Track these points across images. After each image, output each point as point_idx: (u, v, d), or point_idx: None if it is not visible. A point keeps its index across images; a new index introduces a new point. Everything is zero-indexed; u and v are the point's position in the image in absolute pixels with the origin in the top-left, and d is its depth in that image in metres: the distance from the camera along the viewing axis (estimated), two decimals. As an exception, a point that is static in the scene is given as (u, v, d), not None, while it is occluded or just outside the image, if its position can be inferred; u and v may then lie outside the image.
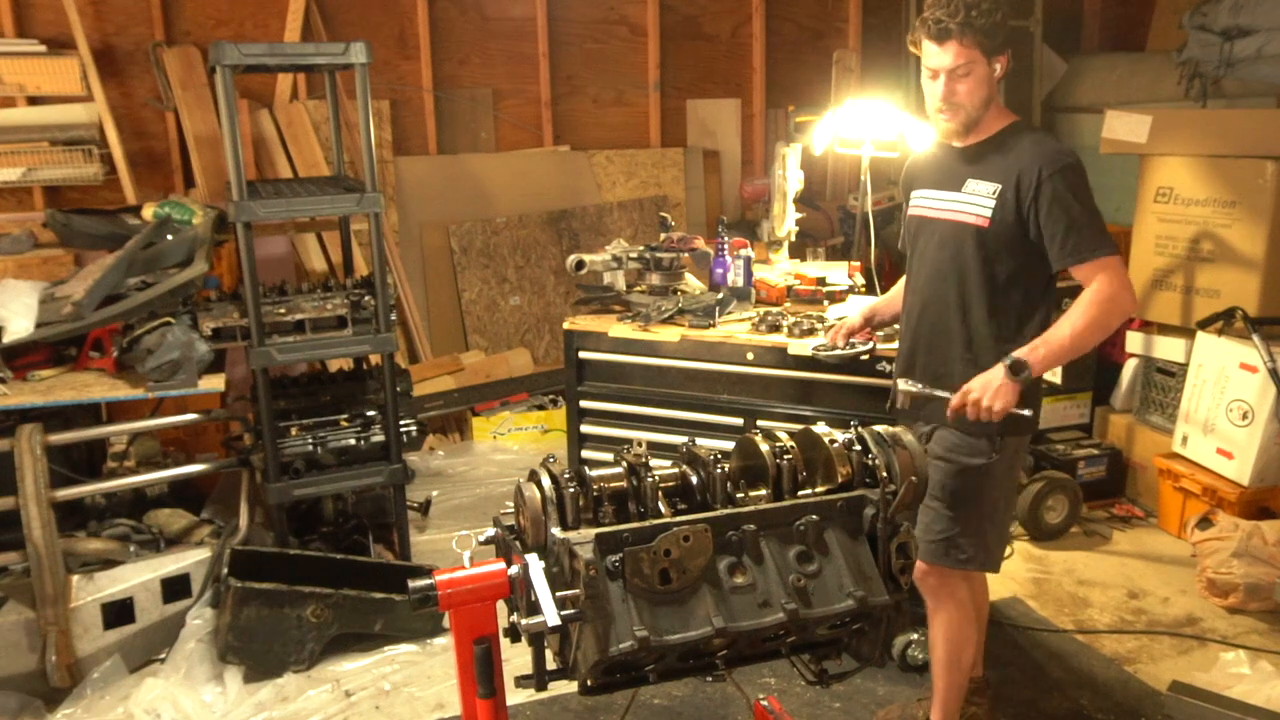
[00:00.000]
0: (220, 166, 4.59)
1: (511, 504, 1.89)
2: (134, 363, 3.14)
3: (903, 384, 2.49)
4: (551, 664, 1.84)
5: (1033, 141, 2.38)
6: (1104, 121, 4.40)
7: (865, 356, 2.94)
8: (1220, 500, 3.79)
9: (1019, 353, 2.28)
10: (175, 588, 3.19)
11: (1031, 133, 2.44)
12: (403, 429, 3.55)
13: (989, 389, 2.28)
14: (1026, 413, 2.33)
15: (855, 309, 2.98)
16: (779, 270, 3.94)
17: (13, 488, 2.93)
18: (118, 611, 3.08)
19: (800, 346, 3.08)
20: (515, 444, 5.00)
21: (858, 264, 3.84)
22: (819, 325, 3.17)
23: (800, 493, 1.94)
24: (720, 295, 3.42)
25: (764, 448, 1.96)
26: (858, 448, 1.98)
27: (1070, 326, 2.29)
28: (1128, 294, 2.31)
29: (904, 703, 2.90)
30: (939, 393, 2.41)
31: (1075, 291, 2.37)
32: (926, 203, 2.54)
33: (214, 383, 3.16)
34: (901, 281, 2.75)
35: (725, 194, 6.00)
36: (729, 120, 5.95)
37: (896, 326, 2.76)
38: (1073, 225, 2.29)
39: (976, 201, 2.39)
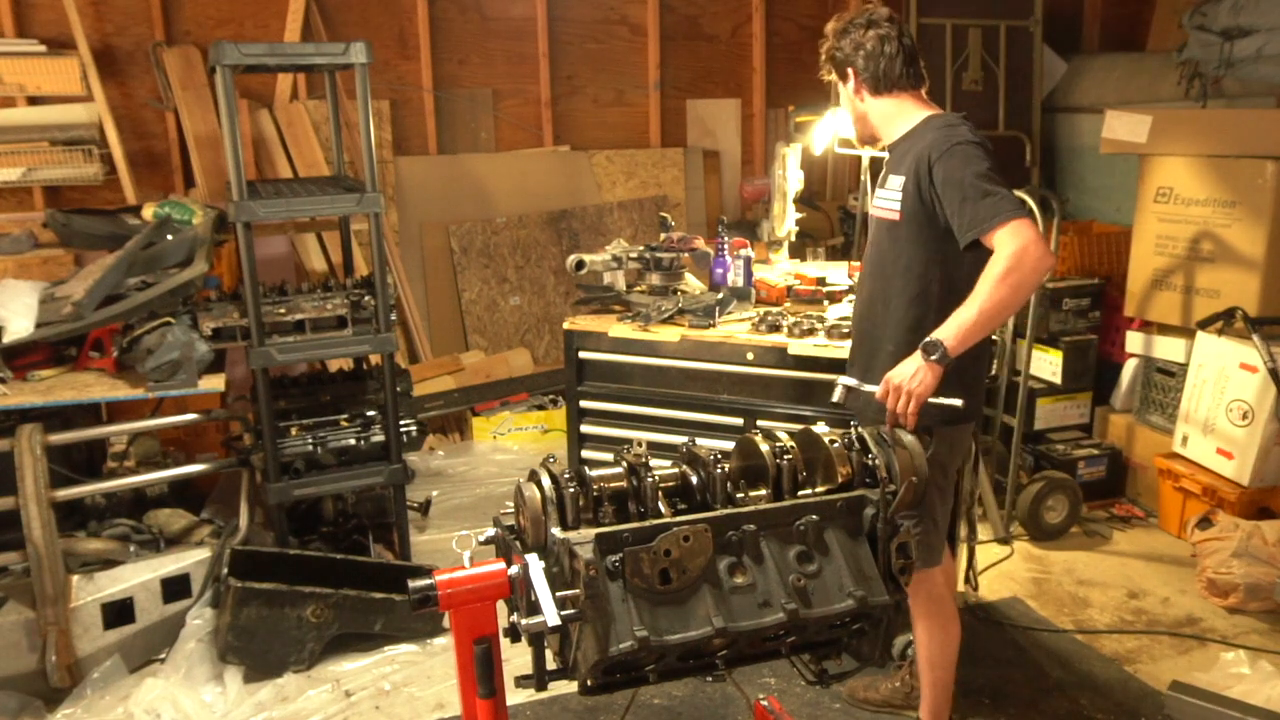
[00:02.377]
0: (220, 166, 4.59)
1: (511, 504, 1.89)
2: (134, 363, 3.14)
3: (840, 380, 2.55)
4: (551, 664, 1.84)
5: (933, 130, 2.44)
6: (1104, 121, 4.40)
7: None
8: (1220, 500, 3.79)
9: (933, 334, 2.25)
10: (175, 588, 3.19)
11: (938, 122, 2.48)
12: (403, 429, 3.55)
13: (906, 374, 2.26)
14: (955, 402, 2.30)
15: None
16: (779, 270, 3.94)
17: (13, 488, 2.93)
18: (118, 611, 3.08)
19: (801, 347, 3.08)
20: (515, 444, 5.00)
21: (858, 264, 3.84)
22: (819, 325, 3.17)
23: (800, 493, 1.94)
24: (720, 295, 3.41)
25: (764, 448, 1.96)
26: (858, 448, 1.98)
27: (978, 299, 2.23)
28: (1035, 248, 2.19)
29: (874, 676, 2.91)
30: (866, 387, 2.45)
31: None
32: (872, 205, 2.66)
33: (214, 383, 3.16)
34: None
35: (725, 194, 6.00)
36: (729, 120, 5.95)
37: None
38: (965, 199, 2.29)
39: (890, 196, 2.49)
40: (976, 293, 2.23)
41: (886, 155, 2.62)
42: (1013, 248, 2.20)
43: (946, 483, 2.60)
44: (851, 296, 3.63)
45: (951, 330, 2.23)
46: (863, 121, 2.61)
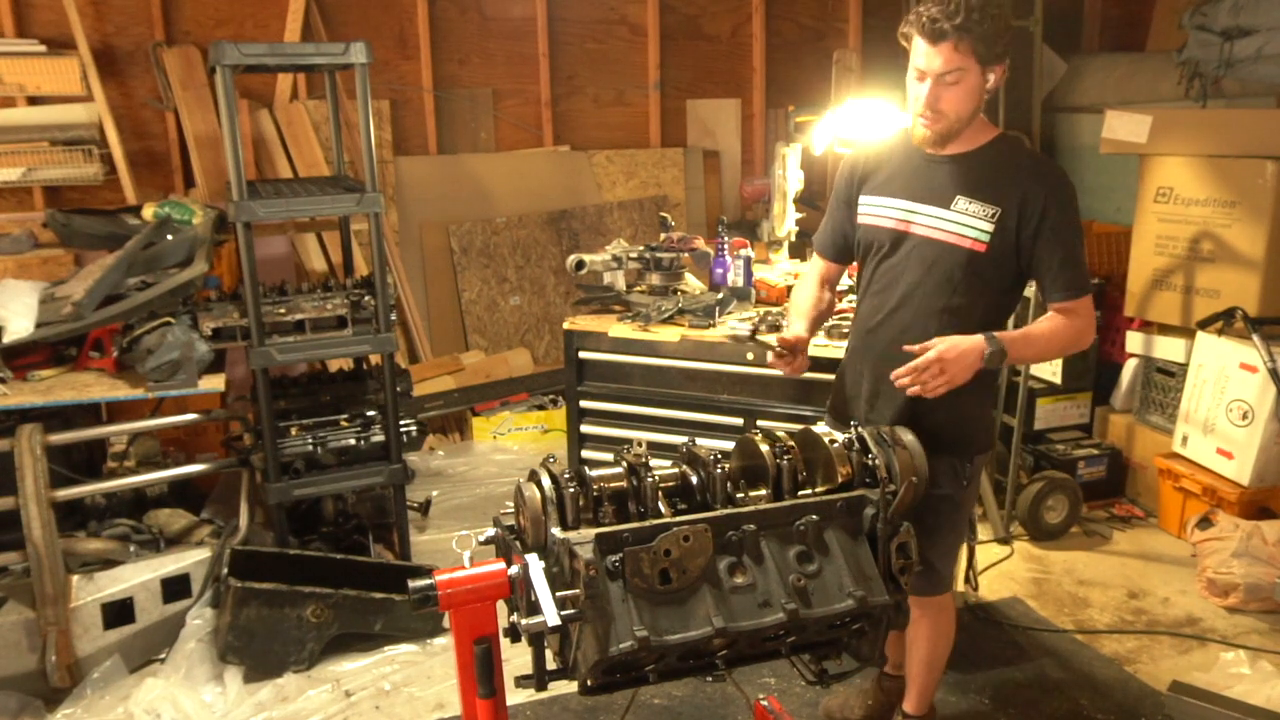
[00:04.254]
0: (220, 166, 4.59)
1: (511, 504, 1.89)
2: (134, 363, 3.14)
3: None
4: (551, 664, 1.84)
5: (1033, 163, 2.28)
6: (1104, 121, 4.40)
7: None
8: (1220, 500, 3.79)
9: (1000, 335, 2.19)
10: (175, 588, 3.19)
11: (1026, 151, 2.34)
12: (403, 429, 3.55)
13: (958, 350, 2.14)
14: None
15: (795, 330, 2.55)
16: (779, 270, 3.94)
17: (13, 488, 2.92)
18: (118, 611, 3.07)
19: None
20: (515, 444, 5.00)
21: (856, 264, 3.83)
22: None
23: (800, 493, 1.94)
24: (720, 295, 3.41)
25: (764, 448, 1.96)
26: (858, 448, 1.98)
27: (1050, 332, 2.26)
28: (1092, 334, 2.34)
29: (848, 693, 2.88)
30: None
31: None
32: (898, 213, 2.34)
33: (214, 383, 3.16)
34: (807, 290, 2.59)
35: (725, 194, 6.00)
36: (729, 120, 5.95)
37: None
38: (1068, 260, 2.23)
39: (971, 224, 2.24)
40: (1049, 328, 2.26)
41: (901, 157, 2.35)
42: (1087, 326, 2.29)
43: (961, 516, 2.51)
44: (852, 298, 3.63)
45: (1017, 344, 2.22)
46: (971, 117, 2.24)
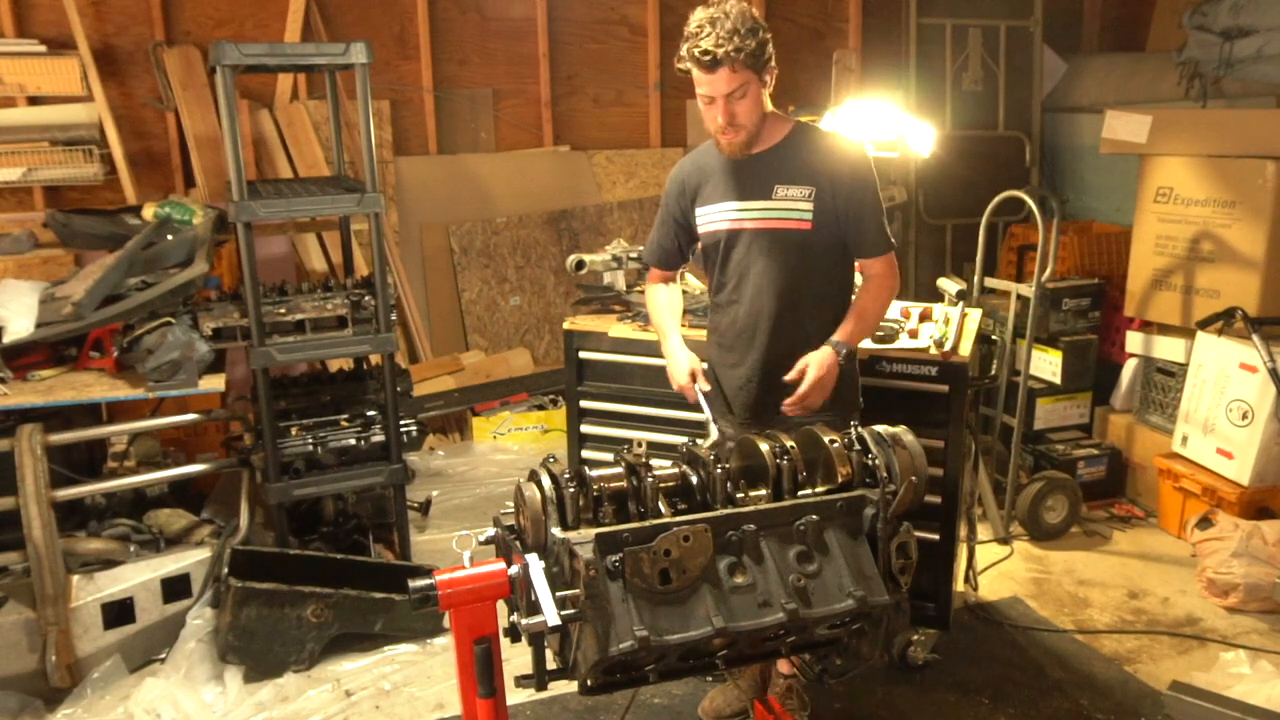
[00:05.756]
0: (220, 166, 4.59)
1: (511, 504, 1.89)
2: (134, 363, 3.14)
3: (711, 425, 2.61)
4: (551, 664, 1.84)
5: (828, 141, 2.52)
6: (1104, 121, 4.40)
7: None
8: (1220, 500, 3.80)
9: (836, 336, 2.48)
10: (175, 588, 3.19)
11: (823, 134, 2.57)
12: (403, 429, 3.55)
13: (824, 367, 2.44)
14: None
15: (682, 366, 2.70)
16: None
17: (13, 488, 2.93)
18: (118, 611, 3.08)
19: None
20: (515, 444, 5.00)
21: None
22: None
23: (800, 493, 1.94)
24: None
25: (764, 448, 1.96)
26: (858, 448, 1.98)
27: (870, 301, 2.55)
28: (896, 282, 2.59)
29: (724, 687, 2.89)
30: (713, 427, 2.59)
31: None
32: (730, 215, 2.54)
33: (214, 383, 3.16)
34: (665, 295, 2.78)
35: (725, 194, 5.99)
36: (729, 120, 5.94)
37: None
38: (871, 221, 2.50)
39: (792, 206, 2.48)
40: (871, 304, 2.56)
41: (718, 166, 2.55)
42: (895, 280, 2.57)
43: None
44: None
45: (850, 333, 2.50)
46: (763, 119, 2.47)
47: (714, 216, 2.58)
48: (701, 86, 2.39)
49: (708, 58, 2.31)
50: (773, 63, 2.41)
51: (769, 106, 2.49)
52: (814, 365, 2.43)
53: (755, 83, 2.39)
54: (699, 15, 2.35)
